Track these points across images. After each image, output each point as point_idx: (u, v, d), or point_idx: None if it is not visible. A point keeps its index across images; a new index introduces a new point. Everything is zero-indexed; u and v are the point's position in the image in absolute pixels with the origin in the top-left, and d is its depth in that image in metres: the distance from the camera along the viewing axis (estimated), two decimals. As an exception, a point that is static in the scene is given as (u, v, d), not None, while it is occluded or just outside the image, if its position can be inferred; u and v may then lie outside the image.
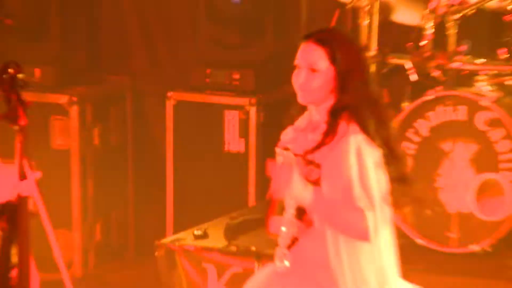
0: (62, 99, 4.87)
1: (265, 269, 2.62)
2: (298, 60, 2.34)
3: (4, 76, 2.14)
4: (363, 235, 2.22)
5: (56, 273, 2.38)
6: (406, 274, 3.09)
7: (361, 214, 2.19)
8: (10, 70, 2.15)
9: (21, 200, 2.15)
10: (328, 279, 2.41)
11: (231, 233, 3.98)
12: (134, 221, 5.30)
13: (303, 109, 2.43)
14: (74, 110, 4.85)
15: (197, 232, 3.96)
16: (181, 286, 3.86)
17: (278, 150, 2.39)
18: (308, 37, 2.35)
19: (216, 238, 3.95)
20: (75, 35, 5.29)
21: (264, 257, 3.68)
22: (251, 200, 4.59)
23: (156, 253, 3.92)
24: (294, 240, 2.42)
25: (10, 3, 5.19)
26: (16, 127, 2.15)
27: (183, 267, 3.86)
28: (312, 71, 2.28)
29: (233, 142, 4.74)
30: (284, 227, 2.44)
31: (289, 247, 2.42)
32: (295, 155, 2.33)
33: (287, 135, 2.44)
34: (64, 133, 4.91)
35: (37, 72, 4.82)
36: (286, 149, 2.37)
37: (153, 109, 5.26)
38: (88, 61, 5.34)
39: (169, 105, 4.83)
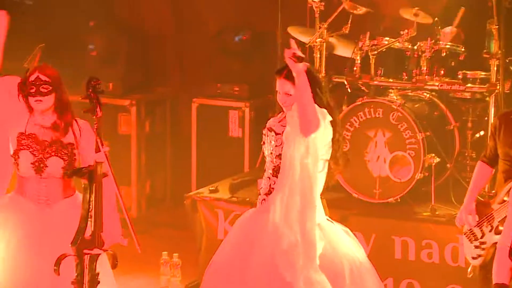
0: (126, 102, 4.86)
1: (250, 210, 2.64)
2: (278, 88, 2.43)
3: (90, 84, 2.14)
4: (318, 123, 2.25)
5: (120, 214, 2.30)
6: (345, 217, 3.37)
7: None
8: (93, 82, 2.14)
9: (96, 165, 2.14)
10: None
11: (233, 188, 3.94)
12: (171, 181, 5.20)
13: (280, 110, 2.53)
14: (133, 109, 4.84)
15: (211, 188, 3.92)
16: (201, 224, 3.77)
17: (264, 131, 2.51)
18: (280, 73, 2.42)
19: (224, 192, 3.89)
20: (134, 62, 5.24)
21: (255, 204, 3.39)
22: (246, 168, 4.55)
23: (184, 202, 3.86)
24: (270, 191, 2.45)
25: (93, 41, 5.15)
26: (95, 118, 2.10)
27: (202, 211, 3.78)
28: (287, 95, 2.38)
29: (234, 131, 4.70)
30: (263, 182, 2.50)
31: (266, 194, 2.47)
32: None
33: (270, 122, 2.53)
34: (127, 123, 4.88)
35: (110, 85, 4.76)
36: (270, 129, 2.47)
37: (183, 109, 5.15)
38: (142, 78, 5.26)
39: (194, 107, 4.77)
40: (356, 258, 2.42)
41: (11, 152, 2.38)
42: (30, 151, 2.34)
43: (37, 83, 2.29)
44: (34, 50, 4.86)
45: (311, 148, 2.32)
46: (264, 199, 2.48)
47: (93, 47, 5.15)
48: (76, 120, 2.41)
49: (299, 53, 2.28)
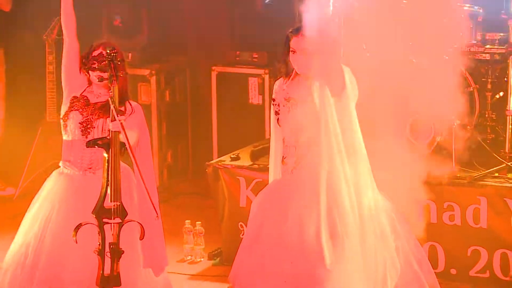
0: (145, 72, 4.82)
1: (275, 180, 2.51)
2: (294, 46, 2.26)
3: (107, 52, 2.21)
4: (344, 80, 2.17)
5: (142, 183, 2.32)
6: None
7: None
8: (110, 50, 2.19)
9: (113, 134, 2.13)
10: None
11: (255, 156, 3.90)
12: (192, 150, 5.20)
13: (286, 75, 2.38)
14: (153, 79, 4.82)
15: (233, 156, 3.87)
16: (223, 192, 3.75)
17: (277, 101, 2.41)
18: (297, 31, 2.27)
19: (245, 159, 3.85)
20: (154, 32, 5.19)
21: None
22: (267, 135, 4.46)
23: (206, 170, 3.83)
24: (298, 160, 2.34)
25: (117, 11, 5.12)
26: (111, 86, 2.15)
27: (224, 179, 3.74)
28: (304, 53, 2.22)
29: (254, 97, 4.66)
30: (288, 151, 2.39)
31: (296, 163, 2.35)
32: None
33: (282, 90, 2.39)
34: (147, 93, 4.86)
35: (129, 55, 4.73)
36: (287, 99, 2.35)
37: (203, 77, 5.10)
38: (162, 47, 5.21)
39: (213, 75, 4.73)
40: None
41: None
42: (79, 111, 2.44)
43: (99, 59, 2.37)
44: (52, 22, 4.84)
45: (346, 109, 2.22)
46: (295, 168, 2.36)
47: (116, 17, 5.16)
48: (129, 101, 2.52)
49: None
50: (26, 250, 2.38)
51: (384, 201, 2.39)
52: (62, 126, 2.49)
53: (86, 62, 2.43)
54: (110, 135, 2.16)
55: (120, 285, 2.14)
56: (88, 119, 2.42)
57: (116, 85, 2.19)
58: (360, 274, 2.21)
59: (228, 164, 3.81)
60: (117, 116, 2.11)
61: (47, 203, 2.42)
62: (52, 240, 2.35)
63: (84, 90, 2.49)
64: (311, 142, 2.29)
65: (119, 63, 2.22)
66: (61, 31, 2.62)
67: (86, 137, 2.40)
